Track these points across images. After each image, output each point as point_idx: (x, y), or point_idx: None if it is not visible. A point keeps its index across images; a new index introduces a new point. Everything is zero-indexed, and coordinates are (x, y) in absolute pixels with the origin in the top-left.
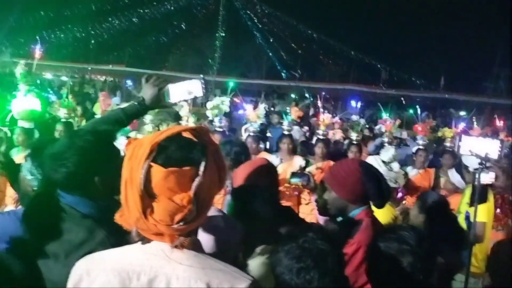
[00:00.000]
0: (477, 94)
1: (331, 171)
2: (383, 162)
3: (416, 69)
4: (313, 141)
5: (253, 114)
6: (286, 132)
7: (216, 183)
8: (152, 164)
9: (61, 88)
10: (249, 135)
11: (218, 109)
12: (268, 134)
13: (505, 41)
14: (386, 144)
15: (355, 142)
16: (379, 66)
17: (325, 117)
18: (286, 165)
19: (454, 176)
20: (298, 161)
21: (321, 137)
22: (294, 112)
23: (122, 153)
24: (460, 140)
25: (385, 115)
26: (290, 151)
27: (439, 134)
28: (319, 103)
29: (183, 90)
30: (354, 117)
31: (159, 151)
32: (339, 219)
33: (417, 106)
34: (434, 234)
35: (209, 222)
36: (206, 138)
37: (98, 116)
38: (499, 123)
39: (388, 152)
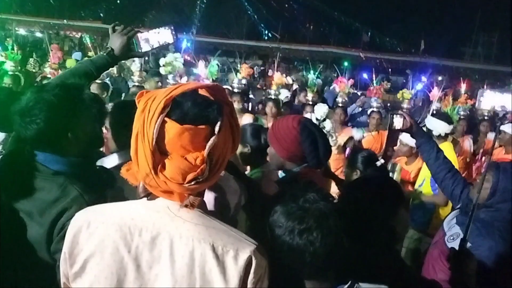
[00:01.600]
0: (455, 59)
1: (272, 127)
2: (317, 119)
3: (397, 33)
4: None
5: (205, 71)
6: (236, 90)
7: (229, 145)
8: (166, 119)
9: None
10: (233, 92)
11: (172, 66)
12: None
13: (484, 6)
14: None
15: (310, 103)
16: (360, 28)
17: (276, 77)
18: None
19: (404, 136)
20: (246, 119)
21: (272, 96)
22: (244, 70)
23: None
24: (482, 95)
25: (341, 76)
26: (240, 109)
27: (398, 96)
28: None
29: (153, 39)
30: (310, 77)
31: (174, 107)
32: (281, 175)
33: (373, 69)
34: (369, 192)
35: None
36: (222, 97)
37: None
38: (463, 84)
39: (321, 110)
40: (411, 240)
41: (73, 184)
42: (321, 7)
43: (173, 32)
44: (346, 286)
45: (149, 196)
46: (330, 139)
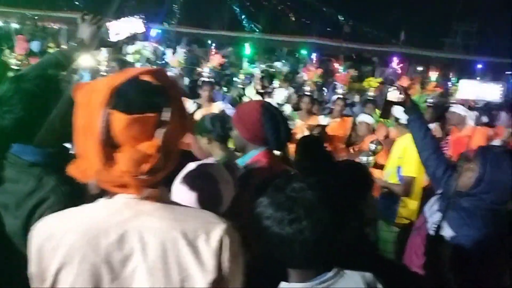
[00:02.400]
0: (435, 49)
1: (236, 110)
2: (278, 104)
3: (378, 23)
4: None
5: (173, 59)
6: (206, 79)
7: (181, 130)
8: (112, 111)
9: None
10: (203, 81)
11: (140, 54)
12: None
13: None
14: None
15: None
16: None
17: (244, 66)
18: (204, 111)
19: (397, 110)
20: (217, 107)
21: (206, 79)
22: (215, 59)
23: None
24: (461, 85)
25: (310, 65)
26: (210, 98)
27: (365, 84)
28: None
29: (124, 27)
30: (278, 65)
31: (117, 97)
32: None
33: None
34: (339, 176)
35: (200, 169)
36: (167, 81)
37: None
38: (434, 73)
39: (281, 94)
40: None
41: (50, 175)
42: None
43: (144, 21)
44: (331, 273)
45: (104, 192)
46: (290, 122)
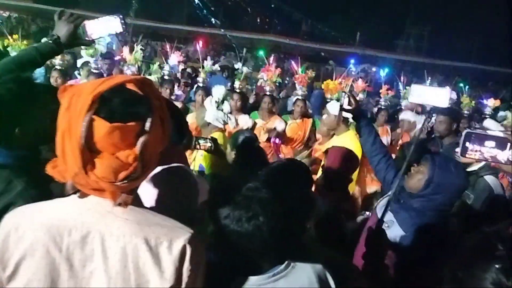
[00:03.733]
0: (389, 51)
1: None
2: (216, 102)
3: (335, 23)
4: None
5: (129, 57)
6: (166, 77)
7: (160, 140)
8: (94, 117)
9: None
10: (164, 79)
11: (94, 49)
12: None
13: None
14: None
15: (237, 91)
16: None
17: (206, 64)
18: None
19: (331, 105)
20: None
21: (166, 77)
22: (176, 56)
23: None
24: (412, 89)
25: (269, 65)
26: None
27: (323, 86)
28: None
29: (101, 27)
30: (237, 66)
31: (101, 103)
32: None
33: (299, 57)
34: (281, 175)
35: (164, 174)
36: (151, 91)
37: None
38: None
39: (219, 92)
40: None
41: (19, 178)
42: None
43: (122, 21)
44: (283, 265)
45: (79, 192)
46: (229, 121)
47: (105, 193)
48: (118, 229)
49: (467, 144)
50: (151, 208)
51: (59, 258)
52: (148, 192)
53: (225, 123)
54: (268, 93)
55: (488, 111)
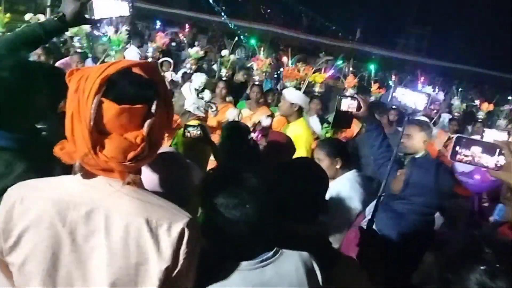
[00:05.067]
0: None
1: None
2: (195, 90)
3: (336, 18)
4: None
5: (115, 38)
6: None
7: (165, 122)
8: (103, 99)
9: None
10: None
11: (79, 29)
12: None
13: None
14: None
15: (224, 79)
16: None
17: (192, 51)
18: None
19: (313, 122)
20: None
21: (187, 70)
22: (159, 39)
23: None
24: (394, 91)
25: (259, 54)
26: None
27: (310, 79)
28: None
29: (108, 8)
30: (224, 52)
31: (109, 86)
32: None
33: (289, 49)
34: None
35: (159, 158)
36: (156, 75)
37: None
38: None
39: (199, 79)
40: None
41: (20, 161)
42: None
43: (130, 5)
44: (272, 252)
45: (85, 173)
46: (209, 110)
47: (114, 173)
48: (123, 206)
49: (457, 148)
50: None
51: (62, 231)
52: (145, 175)
53: (206, 111)
54: (257, 83)
55: (481, 115)
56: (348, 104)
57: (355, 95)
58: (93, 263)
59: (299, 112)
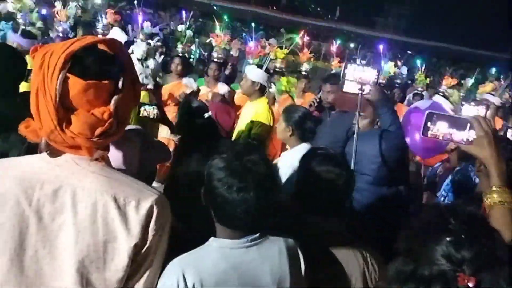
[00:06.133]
0: (368, 28)
1: None
2: (138, 60)
3: None
4: None
5: (62, 13)
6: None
7: (132, 98)
8: (68, 75)
9: None
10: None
11: (22, 3)
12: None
13: None
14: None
15: (180, 54)
16: None
17: (145, 25)
18: None
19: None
20: None
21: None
22: (109, 16)
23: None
24: (345, 68)
25: (218, 30)
26: None
27: (271, 55)
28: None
29: None
30: (180, 28)
31: (74, 62)
32: None
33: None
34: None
35: (126, 135)
36: (121, 52)
37: None
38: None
39: (139, 48)
40: None
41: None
42: None
43: None
44: (258, 235)
45: (51, 151)
46: (157, 80)
47: (81, 150)
48: (91, 183)
49: (429, 124)
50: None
51: (29, 210)
52: (111, 153)
53: (155, 80)
54: (215, 59)
55: (442, 89)
56: (353, 87)
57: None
58: (61, 241)
59: (261, 90)
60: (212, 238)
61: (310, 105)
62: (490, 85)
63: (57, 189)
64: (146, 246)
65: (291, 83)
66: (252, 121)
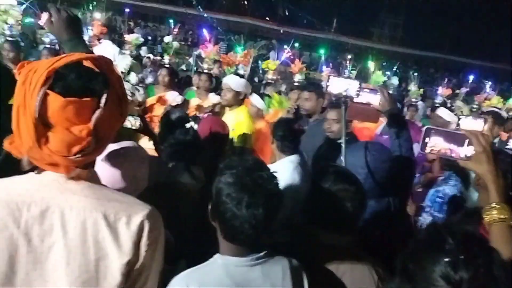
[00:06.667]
0: (364, 39)
1: None
2: (122, 72)
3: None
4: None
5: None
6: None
7: (117, 116)
8: (49, 92)
9: None
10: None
11: (8, 15)
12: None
13: None
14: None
15: (167, 66)
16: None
17: (132, 37)
18: None
19: (255, 99)
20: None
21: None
22: (96, 28)
23: None
24: (328, 81)
25: (207, 42)
26: None
27: (263, 65)
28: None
29: None
30: (167, 39)
31: (56, 79)
32: None
33: (242, 35)
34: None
35: (114, 151)
36: (108, 69)
37: None
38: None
39: (123, 61)
40: None
41: None
42: None
43: None
44: (262, 253)
45: (37, 169)
46: (136, 93)
47: (60, 167)
48: (78, 202)
49: (427, 139)
50: (108, 184)
51: (17, 233)
52: (105, 169)
53: (133, 95)
54: (206, 71)
55: (439, 100)
56: (367, 97)
57: (377, 87)
58: (51, 263)
59: (240, 99)
60: (217, 254)
61: (288, 112)
62: (496, 98)
63: (45, 210)
64: (140, 262)
65: (283, 104)
66: (233, 131)
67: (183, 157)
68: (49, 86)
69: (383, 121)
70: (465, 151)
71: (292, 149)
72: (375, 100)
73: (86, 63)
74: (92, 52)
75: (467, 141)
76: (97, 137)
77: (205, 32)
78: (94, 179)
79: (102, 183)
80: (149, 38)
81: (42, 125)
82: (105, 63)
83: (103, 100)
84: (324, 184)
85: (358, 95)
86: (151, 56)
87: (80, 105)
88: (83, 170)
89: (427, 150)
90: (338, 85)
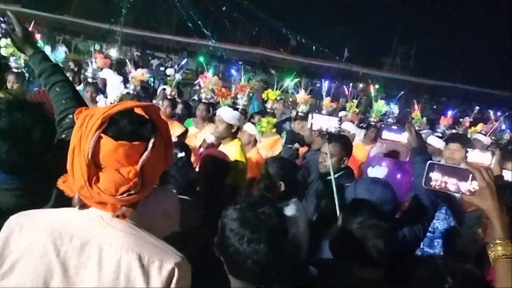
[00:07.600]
0: (377, 68)
1: None
2: (111, 103)
3: (322, 39)
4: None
5: (51, 58)
6: (90, 80)
7: (162, 160)
8: (102, 135)
9: None
10: (87, 82)
11: (14, 49)
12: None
13: (404, 19)
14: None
15: (169, 97)
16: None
17: (137, 73)
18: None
19: (248, 127)
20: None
21: (90, 80)
22: (99, 60)
23: None
24: (312, 118)
25: (207, 72)
26: (92, 99)
27: (263, 95)
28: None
29: None
30: (169, 71)
31: (110, 124)
32: None
33: (242, 65)
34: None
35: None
36: (156, 116)
37: None
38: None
39: (113, 93)
40: None
41: (26, 195)
42: (251, 8)
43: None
44: None
45: (84, 206)
46: None
47: (107, 206)
48: (117, 240)
49: (430, 174)
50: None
51: (55, 261)
52: (149, 211)
53: None
54: (203, 100)
55: (440, 129)
56: (392, 135)
57: (402, 125)
58: None
59: (234, 133)
60: None
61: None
62: (480, 125)
63: (85, 243)
64: None
65: (271, 124)
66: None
67: (174, 185)
68: (103, 130)
69: (376, 142)
70: (470, 186)
71: (296, 190)
72: (402, 137)
73: (137, 110)
74: (59, 68)
75: (471, 176)
76: (143, 179)
77: (202, 60)
78: (135, 219)
79: (141, 225)
80: (161, 69)
81: (94, 165)
82: (154, 111)
83: (150, 145)
84: (358, 218)
85: (338, 130)
86: (167, 87)
87: (130, 148)
88: (128, 209)
89: (431, 185)
90: (320, 121)
